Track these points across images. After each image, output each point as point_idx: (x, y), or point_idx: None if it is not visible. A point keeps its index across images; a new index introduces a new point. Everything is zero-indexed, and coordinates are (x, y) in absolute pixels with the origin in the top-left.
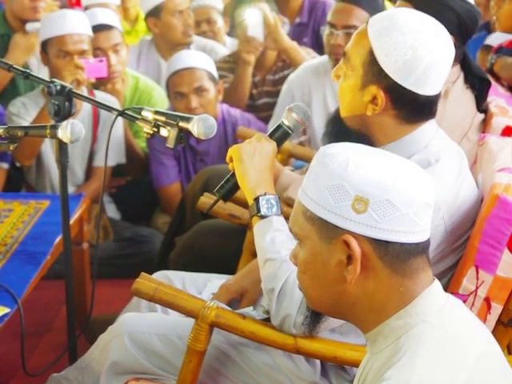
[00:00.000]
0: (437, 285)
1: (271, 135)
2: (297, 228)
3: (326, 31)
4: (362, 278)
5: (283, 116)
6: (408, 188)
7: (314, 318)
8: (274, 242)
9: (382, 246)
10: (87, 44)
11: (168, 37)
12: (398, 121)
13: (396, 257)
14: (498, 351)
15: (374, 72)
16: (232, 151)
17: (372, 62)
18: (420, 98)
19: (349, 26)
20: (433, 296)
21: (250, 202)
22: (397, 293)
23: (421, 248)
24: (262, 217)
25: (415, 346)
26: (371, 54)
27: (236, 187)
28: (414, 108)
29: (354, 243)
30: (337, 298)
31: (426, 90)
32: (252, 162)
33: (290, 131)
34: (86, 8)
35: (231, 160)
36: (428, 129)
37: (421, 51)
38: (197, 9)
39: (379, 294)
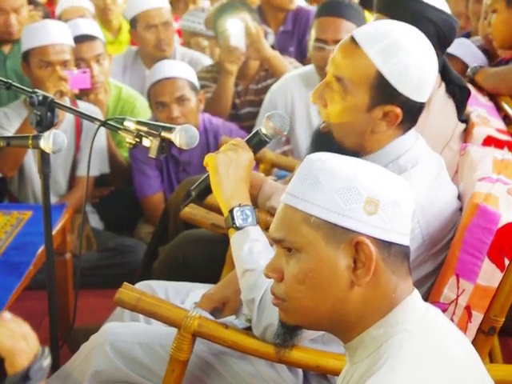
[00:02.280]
0: (417, 294)
1: (248, 141)
2: (294, 237)
3: (313, 46)
4: (366, 282)
5: (262, 124)
6: (407, 191)
7: (290, 334)
8: (252, 253)
9: (386, 248)
10: (69, 54)
11: (143, 49)
12: (393, 129)
13: (396, 258)
14: (476, 360)
15: (386, 92)
16: (208, 160)
17: (382, 84)
18: (422, 106)
19: (340, 40)
20: (413, 305)
21: (225, 213)
22: (388, 298)
23: (409, 252)
24: (238, 228)
25: (396, 355)
26: (379, 76)
27: (211, 188)
28: (415, 116)
29: (370, 245)
30: (337, 306)
31: (425, 97)
32: (227, 173)
33: (267, 139)
34: (60, 16)
35: (207, 165)
36: (409, 135)
37: (428, 65)
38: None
39: (374, 299)
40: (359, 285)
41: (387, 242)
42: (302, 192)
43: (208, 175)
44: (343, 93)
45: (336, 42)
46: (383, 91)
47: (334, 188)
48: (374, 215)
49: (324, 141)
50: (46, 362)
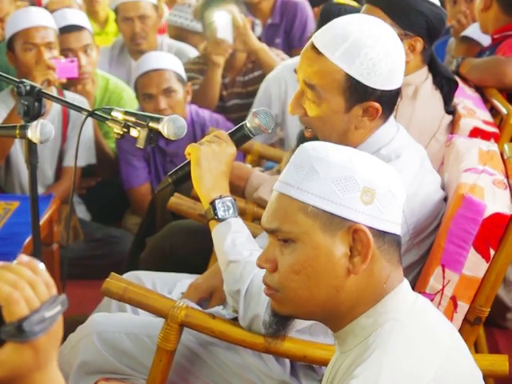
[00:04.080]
0: (406, 283)
1: (232, 134)
2: (290, 227)
3: None
4: (362, 270)
5: (247, 119)
6: (399, 180)
7: (282, 324)
8: (235, 244)
9: (381, 237)
10: (53, 37)
11: (124, 40)
12: (375, 121)
13: (390, 246)
14: (464, 349)
15: (360, 92)
16: (191, 150)
17: (354, 86)
18: (398, 91)
19: None
20: (403, 294)
21: (206, 206)
22: (380, 287)
23: (400, 241)
24: (220, 220)
25: (385, 344)
26: (349, 78)
27: (189, 175)
28: (393, 103)
29: (368, 232)
30: (332, 294)
31: (399, 82)
32: (209, 166)
33: (250, 135)
34: (47, 7)
35: (189, 155)
36: (391, 124)
37: (394, 53)
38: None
39: (367, 288)
40: (355, 272)
41: (382, 231)
42: (297, 181)
43: (188, 163)
44: (318, 100)
45: None
46: (357, 91)
47: (330, 177)
48: (370, 205)
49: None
50: (50, 312)
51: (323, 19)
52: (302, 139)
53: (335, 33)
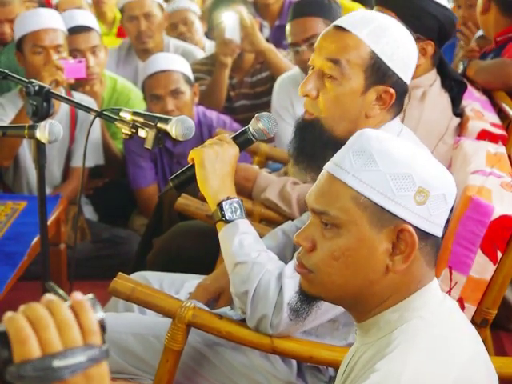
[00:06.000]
0: (436, 282)
1: (235, 138)
2: (338, 213)
3: (291, 53)
4: (402, 269)
5: (251, 122)
6: (454, 185)
7: (307, 303)
8: (243, 246)
9: (425, 238)
10: (62, 39)
11: (130, 39)
12: (384, 114)
13: (431, 248)
14: (485, 353)
15: (380, 72)
16: (194, 154)
17: (377, 64)
18: (407, 88)
19: (309, 37)
20: (431, 293)
21: (213, 207)
22: (412, 285)
23: (441, 243)
24: (227, 221)
25: (410, 341)
26: (373, 56)
27: (191, 180)
28: (403, 99)
29: (414, 234)
30: (365, 286)
31: (409, 78)
32: (213, 167)
33: (253, 139)
34: (57, 7)
35: (193, 160)
36: (396, 124)
37: (411, 46)
38: (173, 12)
39: (401, 285)
40: (394, 271)
41: (427, 232)
42: (354, 168)
43: (190, 167)
44: (340, 77)
45: (305, 40)
46: (378, 71)
47: (389, 172)
48: (422, 205)
49: (310, 131)
50: (64, 362)
51: (289, 15)
52: (300, 126)
53: (362, 15)
